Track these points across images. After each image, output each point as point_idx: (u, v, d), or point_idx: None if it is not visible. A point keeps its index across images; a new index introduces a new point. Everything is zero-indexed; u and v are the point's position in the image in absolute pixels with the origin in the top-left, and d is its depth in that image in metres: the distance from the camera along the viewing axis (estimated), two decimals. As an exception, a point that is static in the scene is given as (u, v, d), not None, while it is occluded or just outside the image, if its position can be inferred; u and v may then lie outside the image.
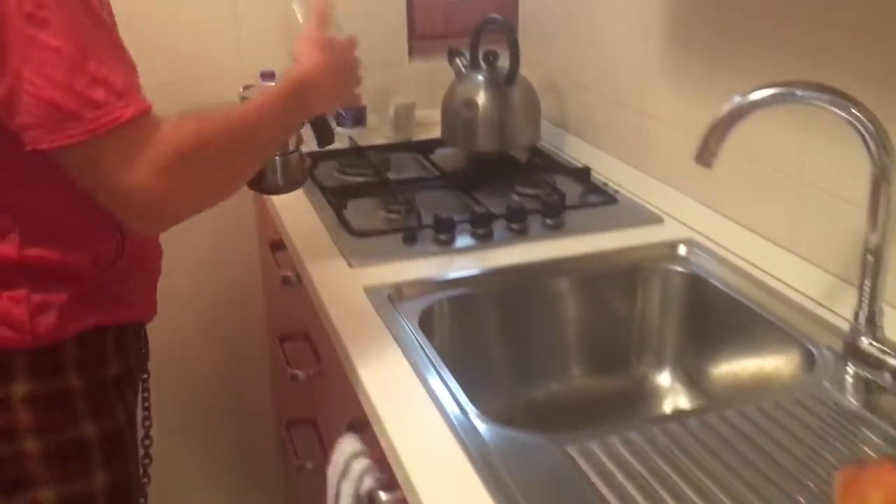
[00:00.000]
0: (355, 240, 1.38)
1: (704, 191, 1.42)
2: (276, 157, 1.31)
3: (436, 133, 1.93)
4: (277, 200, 1.56)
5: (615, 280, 1.32)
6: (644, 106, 1.57)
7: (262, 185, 1.33)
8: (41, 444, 0.99)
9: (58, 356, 0.99)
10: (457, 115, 1.72)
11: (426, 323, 1.16)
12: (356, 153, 1.78)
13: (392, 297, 1.21)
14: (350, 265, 1.31)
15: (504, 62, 1.73)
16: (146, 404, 1.23)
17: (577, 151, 1.80)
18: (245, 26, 1.89)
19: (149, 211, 0.92)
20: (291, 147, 1.33)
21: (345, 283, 1.26)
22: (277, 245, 1.60)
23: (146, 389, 1.23)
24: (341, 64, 1.19)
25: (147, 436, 1.23)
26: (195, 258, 1.96)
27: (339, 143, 1.84)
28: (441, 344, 1.14)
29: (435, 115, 1.99)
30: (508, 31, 1.68)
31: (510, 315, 1.29)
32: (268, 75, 1.83)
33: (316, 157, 1.75)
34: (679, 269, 1.30)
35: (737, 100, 0.95)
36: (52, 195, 0.95)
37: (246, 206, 1.99)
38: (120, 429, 1.08)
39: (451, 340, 1.23)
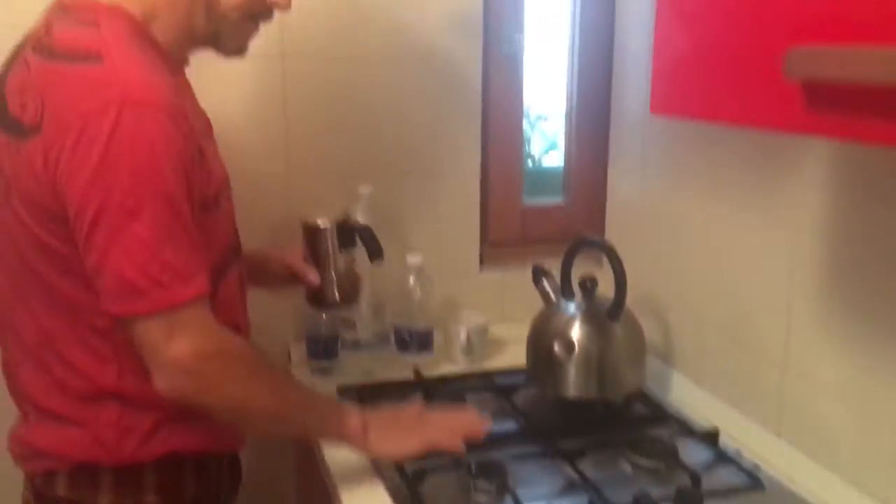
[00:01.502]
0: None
1: (888, 490, 1.11)
2: (332, 272, 1.45)
3: (509, 357, 1.68)
4: (336, 473, 1.25)
5: None
6: (790, 362, 1.29)
7: (321, 300, 1.47)
8: None
9: (139, 476, 1.13)
10: (547, 352, 1.44)
11: None
12: (424, 390, 1.50)
13: None
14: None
15: (603, 290, 1.47)
16: None
17: (689, 397, 1.51)
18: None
19: (174, 382, 1.05)
20: (346, 267, 1.46)
21: None
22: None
23: None
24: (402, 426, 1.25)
25: None
26: None
27: (404, 373, 1.58)
28: None
29: (507, 331, 1.75)
30: (613, 258, 1.41)
31: None
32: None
33: (377, 400, 1.47)
34: None
35: None
36: None
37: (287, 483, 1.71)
38: None
39: None
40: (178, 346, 1.03)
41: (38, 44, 1.06)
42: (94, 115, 0.98)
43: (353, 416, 1.19)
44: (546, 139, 2.02)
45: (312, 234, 1.45)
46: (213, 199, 1.12)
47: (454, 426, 1.24)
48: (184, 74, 1.19)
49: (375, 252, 1.47)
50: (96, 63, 1.01)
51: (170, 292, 1.01)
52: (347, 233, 1.46)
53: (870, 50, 0.58)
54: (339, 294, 1.47)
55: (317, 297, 1.47)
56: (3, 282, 1.14)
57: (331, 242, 1.45)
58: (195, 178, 1.06)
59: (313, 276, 1.44)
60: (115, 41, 1.04)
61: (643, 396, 1.50)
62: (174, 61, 1.15)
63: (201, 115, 1.20)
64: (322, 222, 1.44)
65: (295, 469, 1.72)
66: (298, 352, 1.66)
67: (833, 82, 0.63)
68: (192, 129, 1.06)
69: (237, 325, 1.20)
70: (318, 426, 1.19)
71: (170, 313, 1.02)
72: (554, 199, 1.89)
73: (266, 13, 1.19)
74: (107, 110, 0.97)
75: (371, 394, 1.51)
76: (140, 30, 1.09)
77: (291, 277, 1.46)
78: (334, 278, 1.45)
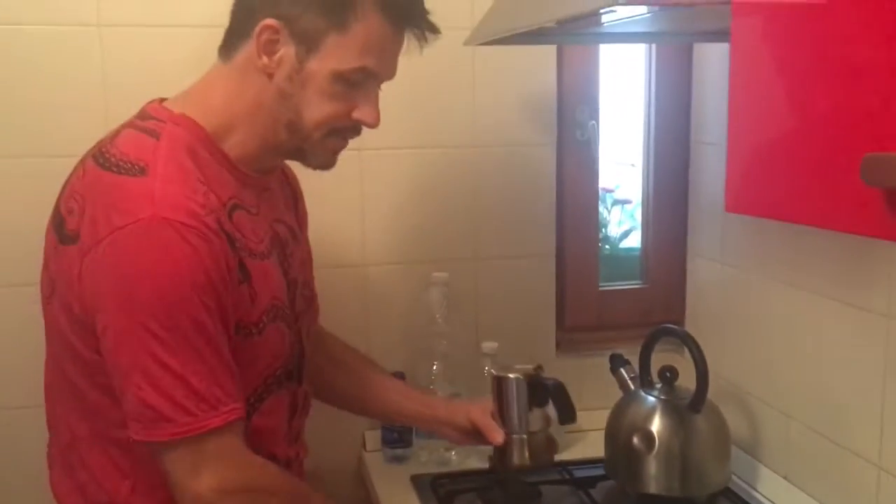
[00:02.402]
0: None
1: None
2: (524, 436, 1.34)
3: (587, 447, 1.63)
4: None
5: None
6: (886, 462, 1.22)
7: (508, 463, 1.35)
8: None
9: None
10: (625, 445, 1.40)
11: None
12: (500, 481, 1.46)
13: None
14: None
15: (684, 381, 1.43)
16: None
17: (778, 495, 1.43)
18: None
19: None
20: (538, 427, 1.35)
21: None
22: None
23: None
24: None
25: None
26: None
27: (479, 463, 1.56)
28: None
29: (585, 420, 1.68)
30: (693, 347, 1.38)
31: None
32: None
33: (452, 491, 1.45)
34: None
35: None
36: None
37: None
38: None
39: None
40: (203, 482, 0.99)
41: (100, 149, 1.06)
42: (122, 231, 0.96)
43: None
44: (628, 216, 2.00)
45: (500, 388, 1.35)
46: (254, 324, 1.08)
47: None
48: (263, 185, 1.16)
49: (568, 414, 1.34)
50: (139, 175, 1.00)
51: (196, 419, 0.97)
52: (539, 389, 1.34)
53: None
54: (530, 457, 1.34)
55: (502, 459, 1.35)
56: (49, 378, 1.15)
57: (519, 398, 1.34)
58: (230, 301, 1.02)
59: (498, 435, 1.32)
60: (167, 155, 1.03)
61: (729, 493, 1.44)
62: (250, 173, 1.12)
63: (268, 231, 1.14)
64: (513, 375, 1.34)
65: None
66: (373, 439, 1.65)
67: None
68: (231, 250, 1.03)
69: (275, 456, 1.15)
70: None
71: (195, 442, 0.98)
72: (632, 283, 1.86)
73: (353, 129, 1.14)
74: (135, 228, 0.96)
75: (445, 484, 1.49)
76: (206, 142, 1.08)
77: (476, 433, 1.35)
78: (524, 439, 1.34)
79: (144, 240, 0.96)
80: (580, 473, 1.51)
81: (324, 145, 1.12)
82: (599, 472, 1.49)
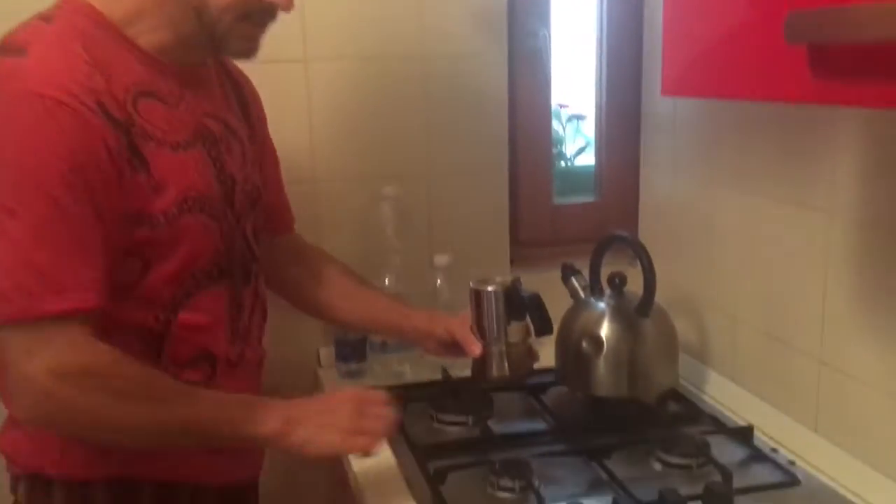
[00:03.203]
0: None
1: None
2: (502, 348, 1.32)
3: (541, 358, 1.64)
4: (359, 471, 1.25)
5: None
6: (826, 355, 1.24)
7: (488, 374, 1.33)
8: None
9: (88, 494, 1.08)
10: (575, 351, 1.41)
11: None
12: (452, 391, 1.48)
13: None
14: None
15: (632, 286, 1.44)
16: None
17: (724, 395, 1.46)
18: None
19: (24, 402, 0.97)
20: (517, 339, 1.33)
21: None
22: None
23: None
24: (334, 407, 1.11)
25: None
26: None
27: (433, 375, 1.57)
28: None
29: (539, 334, 1.71)
30: (641, 252, 1.39)
31: None
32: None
33: (405, 397, 1.46)
34: None
35: None
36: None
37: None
38: None
39: None
40: (36, 364, 0.93)
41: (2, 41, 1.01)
42: None
43: (273, 415, 1.05)
44: (583, 137, 1.99)
45: (478, 300, 1.33)
46: (161, 213, 1.03)
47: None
48: (189, 77, 1.11)
49: (543, 327, 1.32)
50: (17, 56, 0.97)
51: (36, 302, 0.92)
52: (516, 301, 1.33)
53: (866, 7, 0.56)
54: (509, 368, 1.33)
55: (482, 370, 1.34)
56: None
57: (497, 310, 1.32)
58: (111, 186, 0.98)
59: (475, 347, 1.31)
60: (52, 38, 0.99)
61: (676, 395, 1.46)
62: (169, 63, 1.08)
63: (191, 123, 1.10)
64: (490, 287, 1.32)
65: (326, 495, 1.71)
66: (327, 355, 1.66)
67: (835, 45, 0.60)
68: (117, 133, 0.98)
69: (212, 354, 1.12)
70: (230, 433, 1.04)
71: (33, 325, 0.93)
72: (586, 198, 1.86)
73: (266, 13, 1.08)
74: (7, 103, 0.94)
75: (398, 394, 1.49)
76: (107, 28, 1.03)
77: (455, 345, 1.34)
78: (503, 350, 1.33)
79: (9, 111, 0.94)
80: (531, 381, 1.52)
81: (237, 31, 1.07)
82: (551, 378, 1.50)
